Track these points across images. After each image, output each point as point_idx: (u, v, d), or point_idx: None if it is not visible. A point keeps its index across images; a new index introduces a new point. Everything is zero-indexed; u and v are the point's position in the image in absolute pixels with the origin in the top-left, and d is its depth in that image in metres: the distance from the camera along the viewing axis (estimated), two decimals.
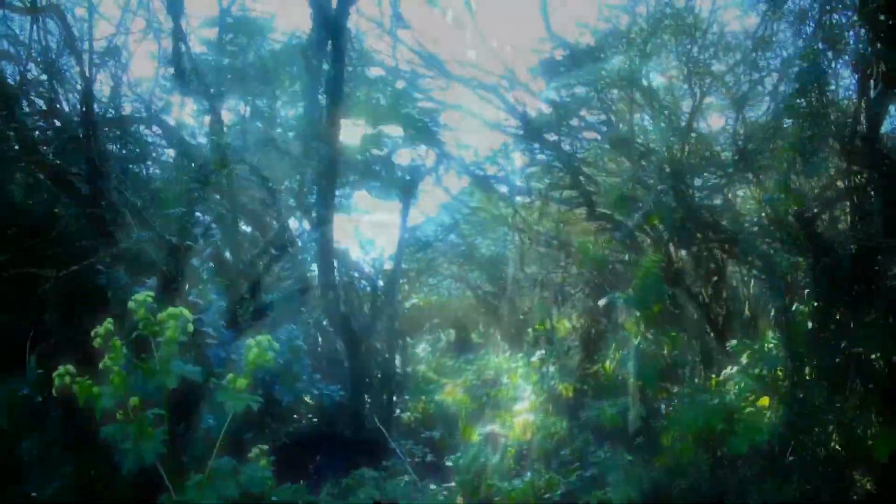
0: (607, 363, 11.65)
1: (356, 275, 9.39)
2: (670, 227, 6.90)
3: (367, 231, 17.71)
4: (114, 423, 3.39)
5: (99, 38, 7.75)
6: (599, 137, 8.30)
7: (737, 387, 6.84)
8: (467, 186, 14.96)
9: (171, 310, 3.22)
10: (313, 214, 8.54)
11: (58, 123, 7.45)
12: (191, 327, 3.24)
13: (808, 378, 6.39)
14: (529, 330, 15.13)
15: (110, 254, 6.51)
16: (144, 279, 5.94)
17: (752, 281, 10.04)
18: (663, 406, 8.96)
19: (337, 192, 14.21)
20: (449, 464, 7.73)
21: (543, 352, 12.77)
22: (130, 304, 3.26)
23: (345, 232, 19.43)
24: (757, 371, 6.69)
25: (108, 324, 3.22)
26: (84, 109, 7.01)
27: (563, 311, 14.16)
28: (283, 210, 7.60)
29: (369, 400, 8.25)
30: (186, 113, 9.58)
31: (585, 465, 7.73)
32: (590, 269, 12.25)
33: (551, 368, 11.94)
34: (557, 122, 8.67)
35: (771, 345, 6.79)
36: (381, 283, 16.25)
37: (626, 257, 9.30)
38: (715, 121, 8.85)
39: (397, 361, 12.50)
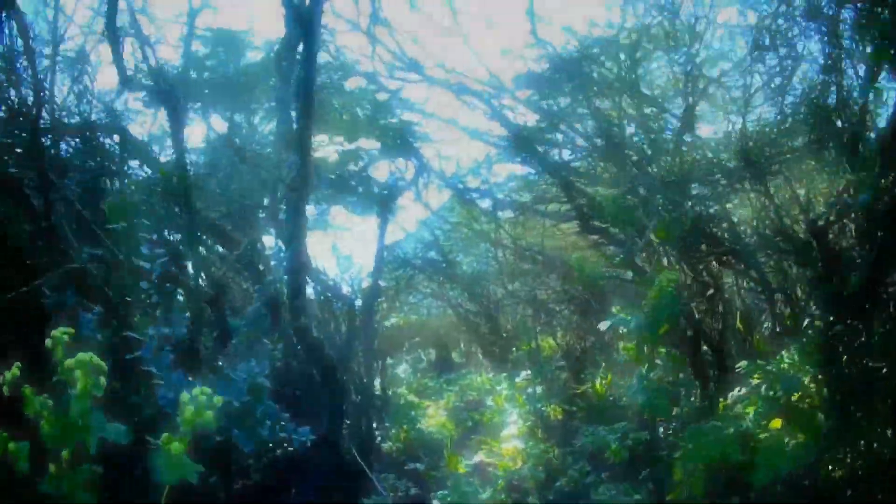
0: (597, 383, 11.05)
1: (330, 295, 8.67)
2: (676, 241, 6.27)
3: (346, 248, 17.15)
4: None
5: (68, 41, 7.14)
6: (590, 146, 7.69)
7: (749, 411, 6.22)
8: (448, 201, 14.38)
9: (79, 357, 2.54)
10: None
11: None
12: (103, 381, 2.54)
13: (829, 399, 5.77)
14: (513, 349, 14.54)
15: (59, 274, 5.81)
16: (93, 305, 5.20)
17: (746, 295, 9.50)
18: (663, 431, 8.35)
19: (314, 208, 13.69)
20: (435, 502, 7.02)
21: (529, 372, 12.16)
22: (47, 343, 2.58)
23: (322, 249, 18.63)
24: (771, 393, 6.06)
25: (16, 369, 2.53)
26: (35, 114, 6.34)
27: (548, 329, 13.53)
28: (251, 225, 6.92)
29: (347, 429, 7.50)
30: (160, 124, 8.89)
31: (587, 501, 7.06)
32: (577, 286, 11.67)
33: (538, 389, 11.31)
34: (545, 130, 8.07)
35: (785, 364, 6.16)
36: (358, 302, 15.57)
37: (628, 274, 8.65)
38: (710, 127, 8.29)
39: (377, 385, 11.79)
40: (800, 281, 8.89)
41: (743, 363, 6.44)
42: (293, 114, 7.01)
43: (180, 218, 6.39)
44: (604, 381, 10.40)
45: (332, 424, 7.10)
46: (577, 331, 12.91)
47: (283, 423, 4.21)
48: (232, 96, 10.39)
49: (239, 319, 5.95)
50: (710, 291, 8.57)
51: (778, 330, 9.48)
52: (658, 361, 6.13)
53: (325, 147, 11.10)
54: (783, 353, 6.26)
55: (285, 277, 6.20)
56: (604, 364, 12.05)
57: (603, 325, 6.28)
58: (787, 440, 5.74)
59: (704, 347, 9.06)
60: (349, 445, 7.43)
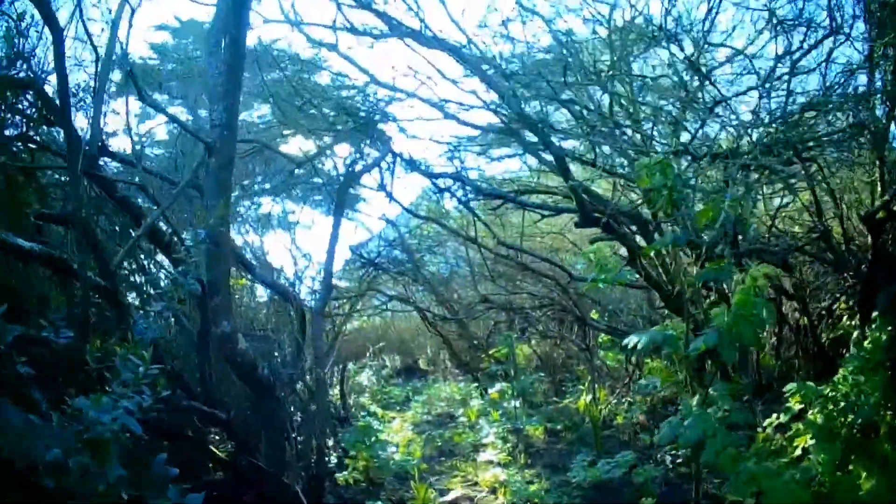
0: (582, 400, 9.58)
1: (277, 295, 7.07)
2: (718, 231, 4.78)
3: (312, 248, 15.48)
4: None
5: None
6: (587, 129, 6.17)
7: (800, 443, 4.78)
8: (417, 199, 12.82)
9: None
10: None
11: None
12: None
13: None
14: (484, 357, 13.02)
15: None
16: None
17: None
18: (671, 460, 6.89)
19: (278, 206, 12.18)
20: None
21: (503, 384, 10.66)
22: None
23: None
24: (827, 421, 4.62)
25: None
26: None
27: (523, 337, 12.04)
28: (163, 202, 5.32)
29: (293, 456, 5.90)
30: None
31: None
32: (558, 290, 10.18)
33: (515, 403, 9.81)
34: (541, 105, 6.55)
35: (845, 387, 4.70)
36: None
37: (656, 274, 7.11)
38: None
39: (335, 394, 10.19)
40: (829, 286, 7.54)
41: (791, 385, 4.98)
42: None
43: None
44: (594, 398, 8.91)
45: (270, 452, 5.51)
46: (556, 338, 11.45)
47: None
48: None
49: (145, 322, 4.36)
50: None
51: (794, 342, 8.20)
52: (713, 391, 4.58)
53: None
54: (842, 371, 4.79)
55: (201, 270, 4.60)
56: (590, 377, 10.61)
57: (631, 342, 4.72)
58: (861, 483, 4.30)
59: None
60: (294, 477, 5.82)
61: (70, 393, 2.80)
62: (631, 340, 4.66)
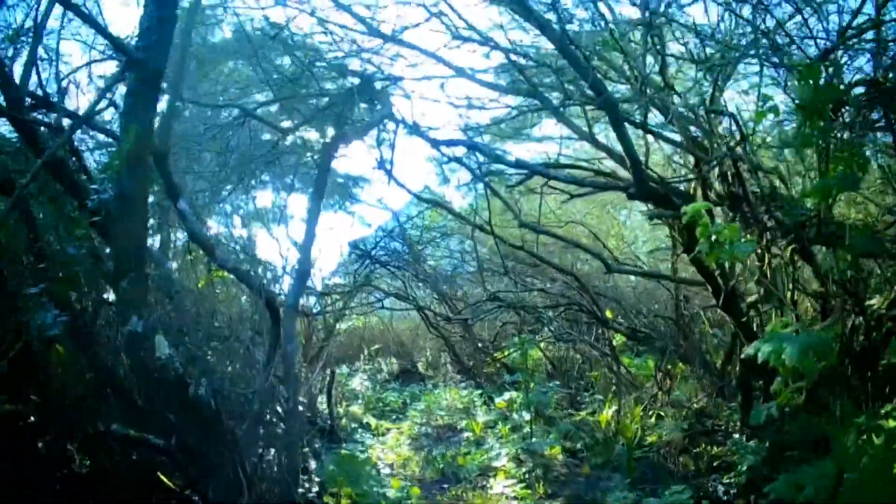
0: (605, 413, 8.13)
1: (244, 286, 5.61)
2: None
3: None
4: None
5: None
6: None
7: None
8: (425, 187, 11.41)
9: None
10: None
11: None
12: None
13: None
14: (489, 360, 11.56)
15: None
16: None
17: None
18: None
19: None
20: None
21: (512, 393, 9.19)
22: None
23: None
24: None
25: None
26: None
27: (533, 339, 10.56)
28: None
29: (258, 496, 4.42)
30: None
31: None
32: (579, 288, 8.74)
33: (524, 415, 8.36)
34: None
35: None
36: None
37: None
38: None
39: (321, 403, 8.75)
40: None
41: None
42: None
43: None
44: (620, 412, 7.47)
45: (218, 487, 4.08)
46: (573, 342, 9.97)
47: None
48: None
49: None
50: None
51: None
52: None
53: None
54: None
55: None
56: (614, 386, 9.18)
57: (763, 352, 3.27)
58: None
59: None
60: None
61: None
62: (762, 350, 3.19)
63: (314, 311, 11.70)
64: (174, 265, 6.24)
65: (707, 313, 9.31)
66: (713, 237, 3.61)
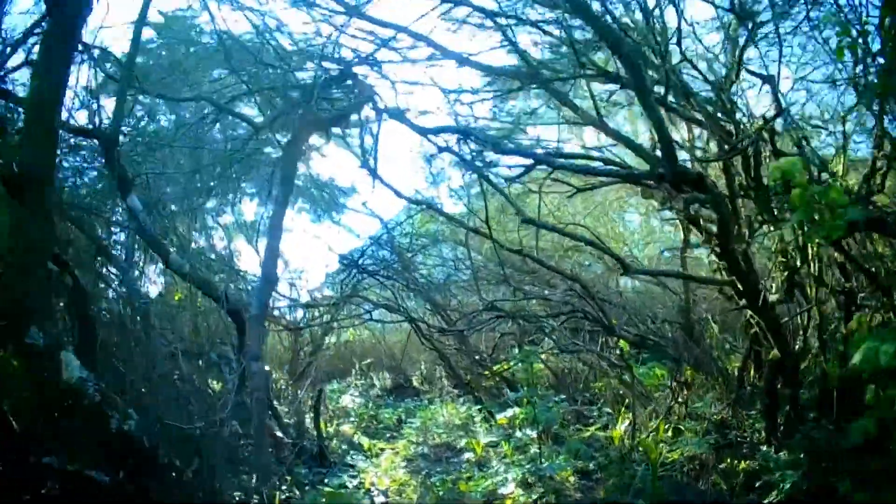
0: (618, 429, 7.42)
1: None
2: None
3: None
4: None
5: None
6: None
7: None
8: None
9: None
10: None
11: None
12: None
13: None
14: (487, 373, 10.79)
15: None
16: None
17: None
18: None
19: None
20: None
21: (515, 409, 8.45)
22: None
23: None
24: None
25: None
26: None
27: (538, 351, 9.81)
28: None
29: None
30: None
31: None
32: (584, 294, 8.01)
33: (530, 432, 7.65)
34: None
35: None
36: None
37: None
38: None
39: (307, 424, 8.01)
40: None
41: None
42: None
43: None
44: (634, 426, 6.76)
45: None
46: (578, 351, 9.23)
47: None
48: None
49: None
50: None
51: None
52: None
53: None
54: None
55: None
56: (621, 398, 8.47)
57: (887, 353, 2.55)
58: None
59: None
60: None
61: None
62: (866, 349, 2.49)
63: (300, 324, 10.97)
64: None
65: (715, 317, 8.70)
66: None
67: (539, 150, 5.54)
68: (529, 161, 5.10)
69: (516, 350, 9.65)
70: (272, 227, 4.68)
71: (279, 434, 6.67)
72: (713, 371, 7.69)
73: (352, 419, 10.87)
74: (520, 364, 8.47)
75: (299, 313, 11.69)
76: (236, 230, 11.77)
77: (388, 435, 10.54)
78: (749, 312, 6.08)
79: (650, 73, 4.60)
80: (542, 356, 9.83)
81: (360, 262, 10.20)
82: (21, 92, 5.29)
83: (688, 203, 4.60)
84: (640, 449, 6.91)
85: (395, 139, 13.63)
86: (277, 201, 4.77)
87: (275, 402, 8.36)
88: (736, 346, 8.51)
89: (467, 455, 8.28)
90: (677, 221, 7.85)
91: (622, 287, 10.70)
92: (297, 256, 13.27)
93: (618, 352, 8.17)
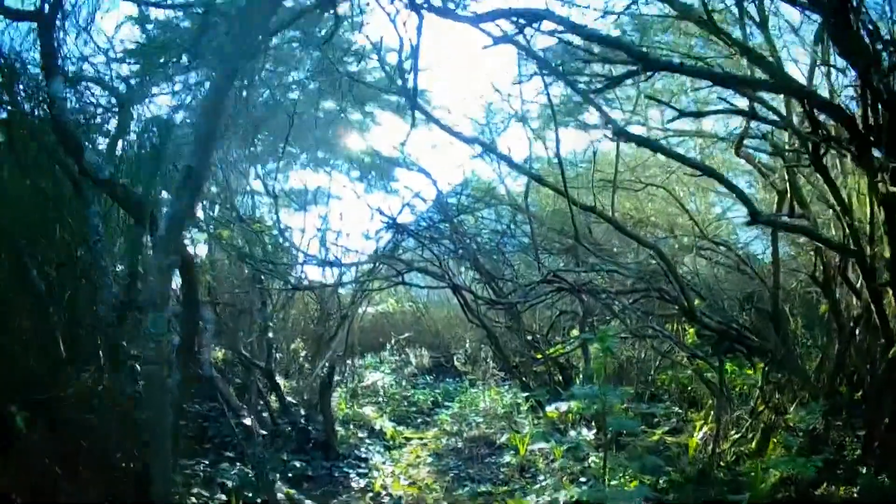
0: (695, 437, 5.88)
1: None
2: None
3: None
4: None
5: None
6: None
7: None
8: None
9: None
10: None
11: None
12: None
13: None
14: (538, 356, 9.22)
15: None
16: None
17: None
18: None
19: None
20: None
21: (571, 403, 6.90)
22: None
23: None
24: None
25: None
26: None
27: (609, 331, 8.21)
28: None
29: None
30: None
31: None
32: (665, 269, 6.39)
33: (585, 432, 6.15)
34: None
35: None
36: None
37: None
38: None
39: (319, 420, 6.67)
40: None
41: None
42: None
43: None
44: (719, 436, 5.18)
45: None
46: (653, 338, 7.60)
47: None
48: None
49: None
50: None
51: None
52: None
53: None
54: None
55: None
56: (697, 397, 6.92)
57: None
58: None
59: None
60: None
61: None
62: None
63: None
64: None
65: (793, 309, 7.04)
66: None
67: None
68: (632, 66, 3.39)
69: (575, 332, 8.11)
70: (205, 109, 3.30)
71: (248, 422, 5.29)
72: (801, 372, 6.07)
73: (382, 398, 9.52)
74: (594, 345, 6.86)
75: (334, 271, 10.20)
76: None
77: (418, 420, 9.16)
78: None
79: None
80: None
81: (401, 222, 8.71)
82: None
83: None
84: (722, 464, 5.41)
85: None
86: (217, 79, 3.40)
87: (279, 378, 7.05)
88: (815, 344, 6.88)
89: (507, 456, 6.79)
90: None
91: (698, 267, 8.96)
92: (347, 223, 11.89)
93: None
